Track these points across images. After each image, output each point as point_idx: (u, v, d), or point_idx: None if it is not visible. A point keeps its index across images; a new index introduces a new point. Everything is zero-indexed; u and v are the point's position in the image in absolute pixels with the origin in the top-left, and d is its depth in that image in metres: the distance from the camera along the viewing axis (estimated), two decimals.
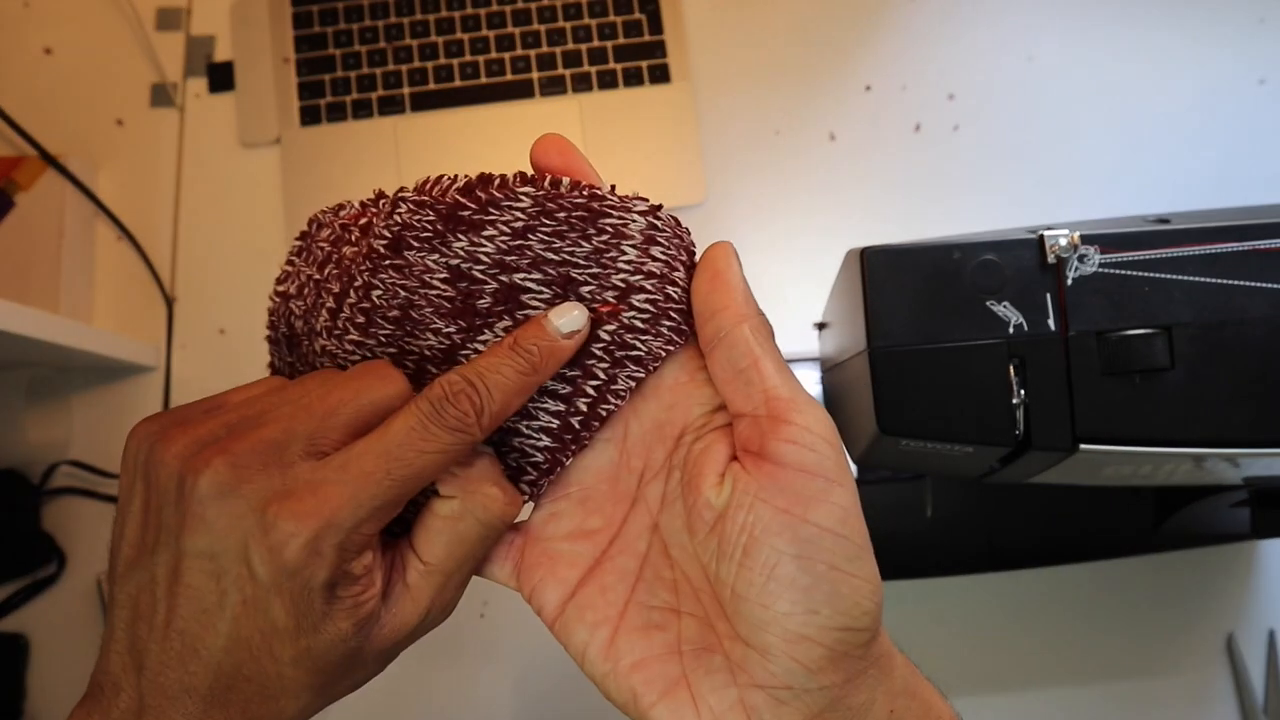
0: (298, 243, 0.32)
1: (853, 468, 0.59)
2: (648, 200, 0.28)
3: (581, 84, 0.71)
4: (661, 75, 0.71)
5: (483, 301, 0.28)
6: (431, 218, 0.28)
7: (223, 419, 0.27)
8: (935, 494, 0.60)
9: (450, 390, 0.27)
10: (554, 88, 0.71)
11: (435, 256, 0.28)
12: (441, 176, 0.29)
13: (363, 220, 0.30)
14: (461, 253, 0.28)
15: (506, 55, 0.72)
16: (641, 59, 0.72)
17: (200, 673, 0.26)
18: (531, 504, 0.30)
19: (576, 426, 0.29)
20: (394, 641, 0.28)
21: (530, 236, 0.28)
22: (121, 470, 0.28)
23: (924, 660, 0.69)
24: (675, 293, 0.29)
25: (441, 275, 0.28)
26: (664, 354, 0.29)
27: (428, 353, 0.29)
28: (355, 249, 0.29)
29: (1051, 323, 0.41)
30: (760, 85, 0.72)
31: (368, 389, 0.27)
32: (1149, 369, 0.40)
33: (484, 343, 0.28)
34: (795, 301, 0.68)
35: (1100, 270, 0.41)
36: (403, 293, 0.28)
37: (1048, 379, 0.41)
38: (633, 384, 0.29)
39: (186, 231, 0.70)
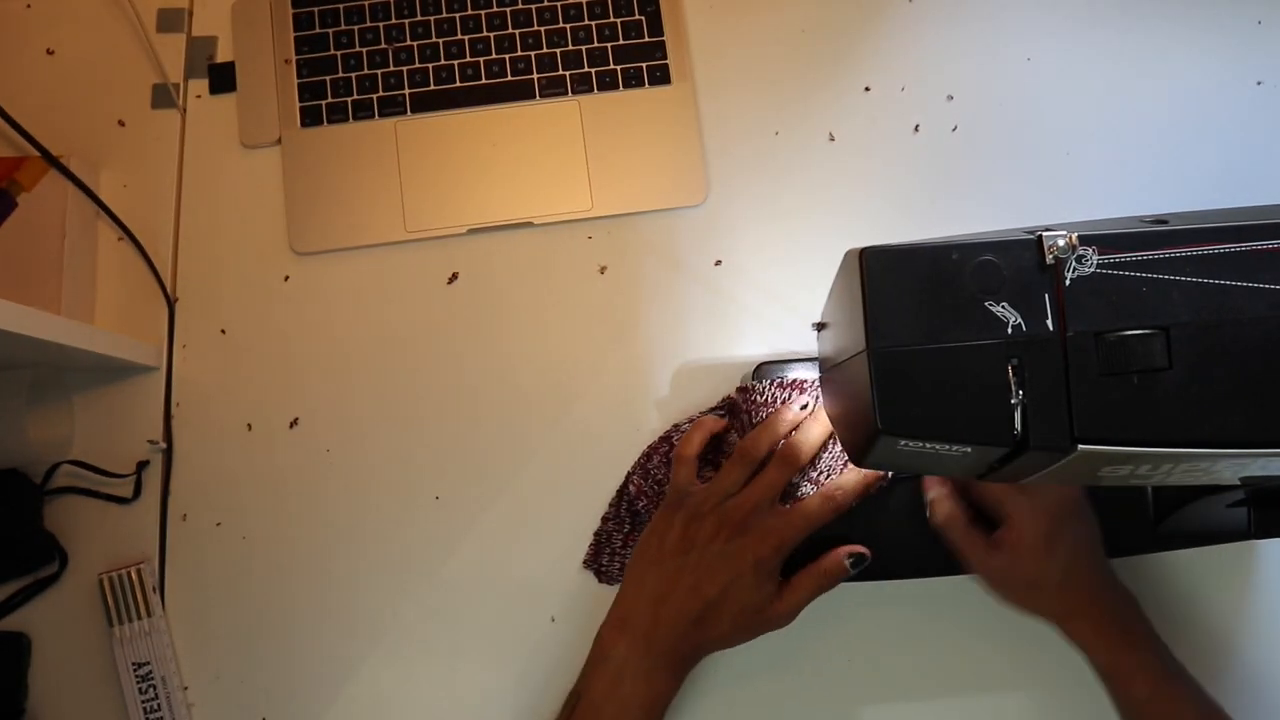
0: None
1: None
2: None
3: (582, 85, 0.71)
4: (662, 76, 0.72)
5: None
6: None
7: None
8: None
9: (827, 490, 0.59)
10: (554, 89, 0.71)
11: None
12: None
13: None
14: None
15: (507, 57, 0.72)
16: (641, 60, 0.72)
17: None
18: None
19: None
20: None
21: None
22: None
23: (924, 660, 0.69)
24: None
25: None
26: None
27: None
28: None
29: (1050, 323, 0.41)
30: (760, 86, 0.73)
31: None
32: (1147, 369, 0.40)
33: None
34: (795, 301, 0.69)
35: (1098, 271, 0.41)
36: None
37: (1046, 379, 0.41)
38: None
39: (188, 232, 0.70)
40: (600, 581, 0.64)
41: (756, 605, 0.56)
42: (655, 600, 0.56)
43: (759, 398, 0.60)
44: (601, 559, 0.64)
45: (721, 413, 0.65)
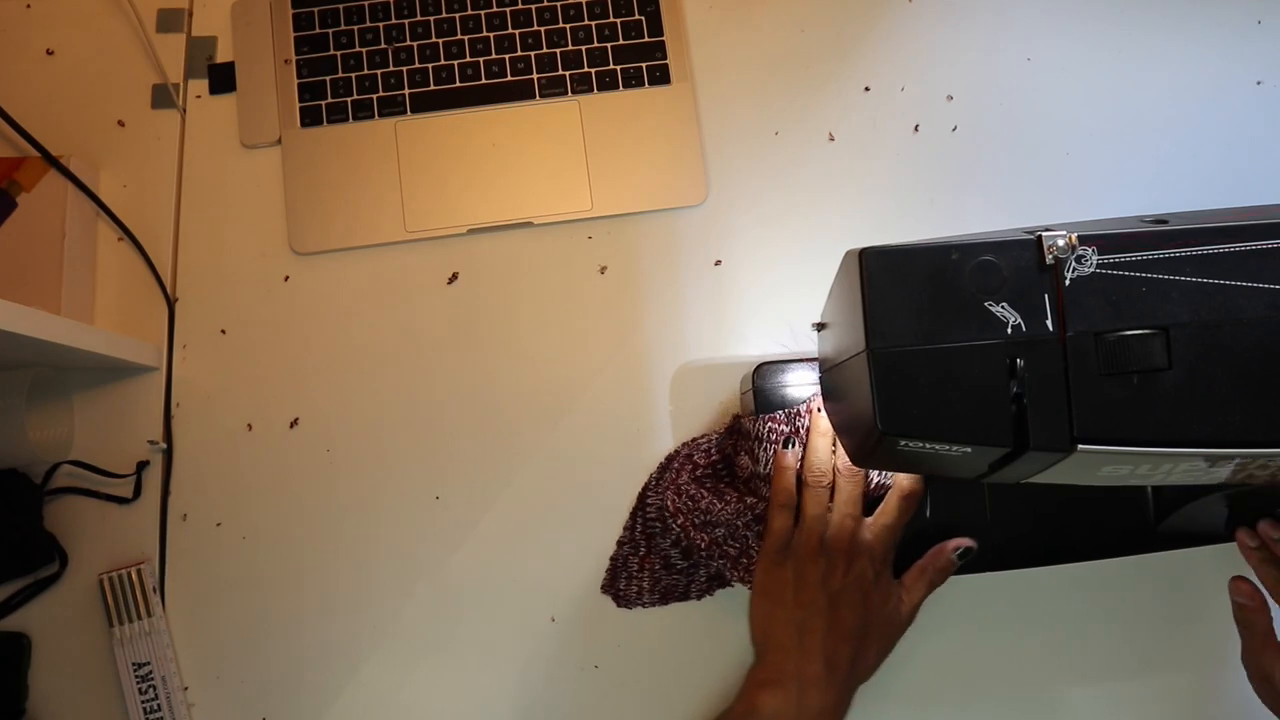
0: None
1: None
2: None
3: (582, 85, 0.71)
4: (662, 76, 0.72)
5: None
6: None
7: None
8: (935, 494, 0.60)
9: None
10: (554, 89, 0.71)
11: None
12: None
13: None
14: None
15: (507, 57, 0.72)
16: (641, 60, 0.72)
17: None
18: None
19: None
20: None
21: None
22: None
23: (923, 660, 0.69)
24: None
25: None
26: None
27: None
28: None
29: (1049, 323, 0.41)
30: (760, 86, 0.73)
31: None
32: (1147, 369, 0.40)
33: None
34: (795, 301, 0.69)
35: (1098, 271, 0.41)
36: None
37: (1046, 379, 0.41)
38: None
39: (187, 232, 0.70)
40: (618, 606, 0.64)
41: (889, 617, 0.58)
42: (802, 655, 0.56)
43: (781, 427, 0.60)
44: (619, 583, 0.64)
45: (725, 437, 0.65)
